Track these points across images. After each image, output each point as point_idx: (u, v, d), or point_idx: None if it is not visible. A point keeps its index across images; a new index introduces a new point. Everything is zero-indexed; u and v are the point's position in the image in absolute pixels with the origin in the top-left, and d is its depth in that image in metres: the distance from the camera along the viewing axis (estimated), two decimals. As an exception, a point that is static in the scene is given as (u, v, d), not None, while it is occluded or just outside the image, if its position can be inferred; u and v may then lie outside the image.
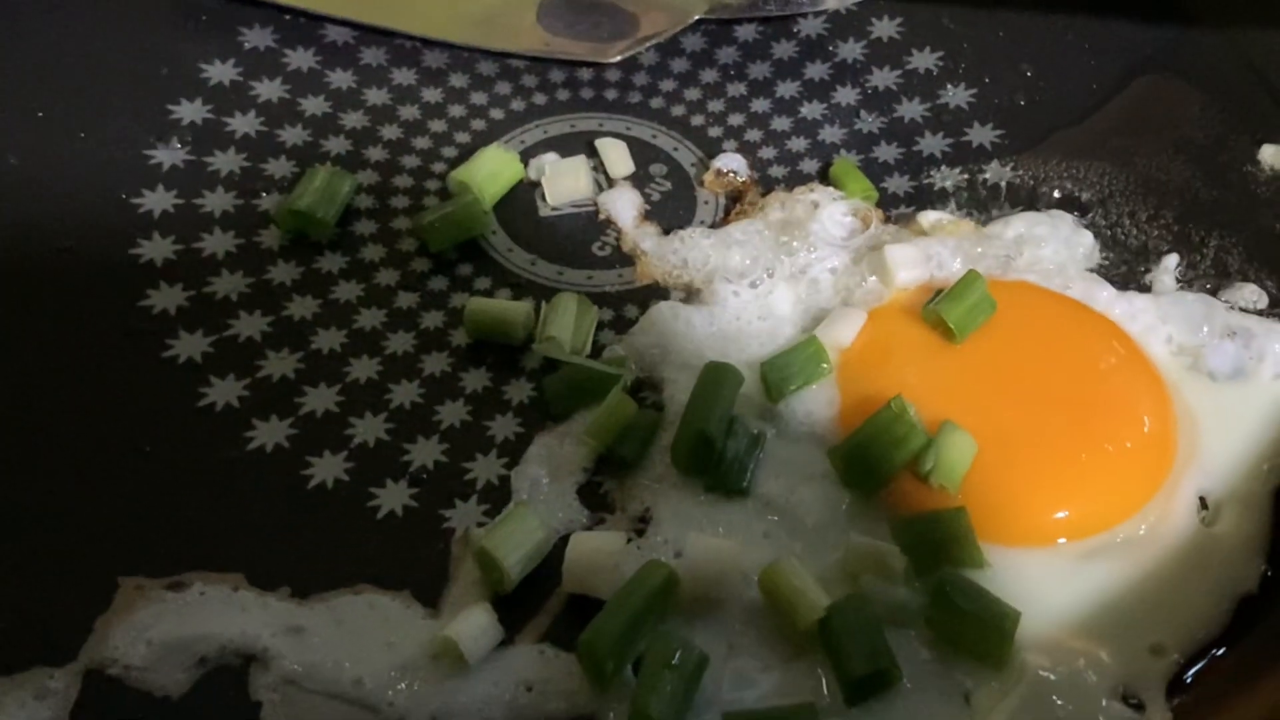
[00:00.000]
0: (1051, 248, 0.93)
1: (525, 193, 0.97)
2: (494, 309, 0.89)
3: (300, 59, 1.04)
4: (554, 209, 0.96)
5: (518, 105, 1.03)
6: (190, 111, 1.00)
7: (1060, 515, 0.80)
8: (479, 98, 1.03)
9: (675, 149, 1.01)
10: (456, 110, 1.02)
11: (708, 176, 0.99)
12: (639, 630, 0.74)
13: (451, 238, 0.93)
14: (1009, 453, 0.81)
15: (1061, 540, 0.80)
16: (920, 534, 0.78)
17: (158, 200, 0.94)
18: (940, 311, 0.85)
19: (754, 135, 1.02)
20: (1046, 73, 1.06)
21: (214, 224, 0.94)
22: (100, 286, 0.90)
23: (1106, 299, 0.89)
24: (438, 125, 1.01)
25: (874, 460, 0.80)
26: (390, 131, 1.00)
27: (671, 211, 0.97)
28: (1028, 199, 0.98)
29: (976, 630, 0.75)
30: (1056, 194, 0.98)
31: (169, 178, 0.96)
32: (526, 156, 0.99)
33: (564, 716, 0.74)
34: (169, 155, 0.97)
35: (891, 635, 0.74)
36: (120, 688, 0.74)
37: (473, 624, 0.75)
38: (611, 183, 0.98)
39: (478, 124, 1.01)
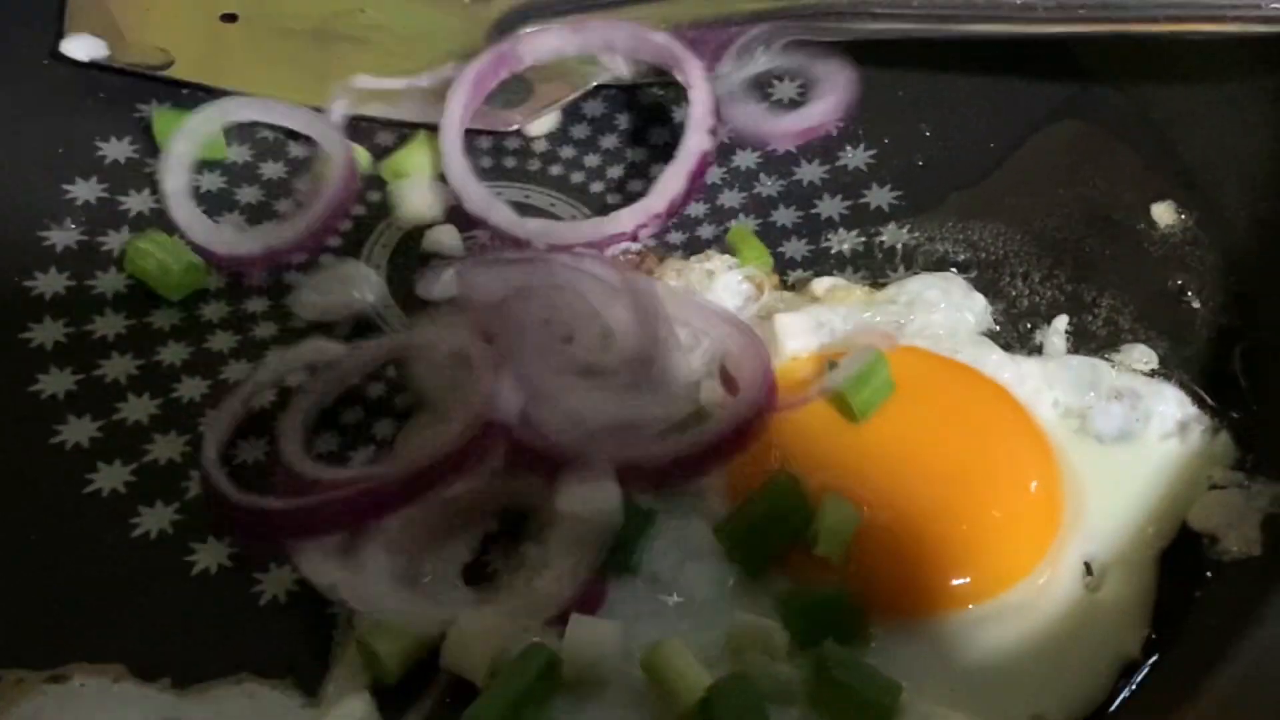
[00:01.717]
0: (943, 312, 0.93)
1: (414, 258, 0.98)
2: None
3: (198, 134, 1.04)
4: (446, 280, 0.97)
5: (415, 176, 1.03)
6: (85, 190, 1.00)
7: (944, 586, 0.80)
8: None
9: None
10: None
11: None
12: (520, 714, 0.74)
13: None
14: (893, 521, 0.81)
15: (946, 610, 0.80)
16: (803, 610, 0.78)
17: (50, 282, 0.94)
18: (845, 394, 0.85)
19: (652, 201, 1.02)
20: (945, 132, 1.07)
21: (105, 305, 0.94)
22: (-9, 373, 0.90)
23: (995, 363, 0.89)
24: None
25: (759, 536, 0.80)
26: (285, 205, 1.00)
27: (568, 281, 0.97)
28: (924, 261, 0.98)
29: (857, 706, 0.75)
30: (952, 256, 0.98)
31: (62, 259, 0.96)
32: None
33: (443, 803, 0.74)
34: (63, 236, 0.97)
35: (774, 712, 0.74)
36: (-5, 786, 0.74)
37: (350, 713, 0.75)
38: (506, 251, 0.99)
39: (373, 195, 1.01)
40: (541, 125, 1.05)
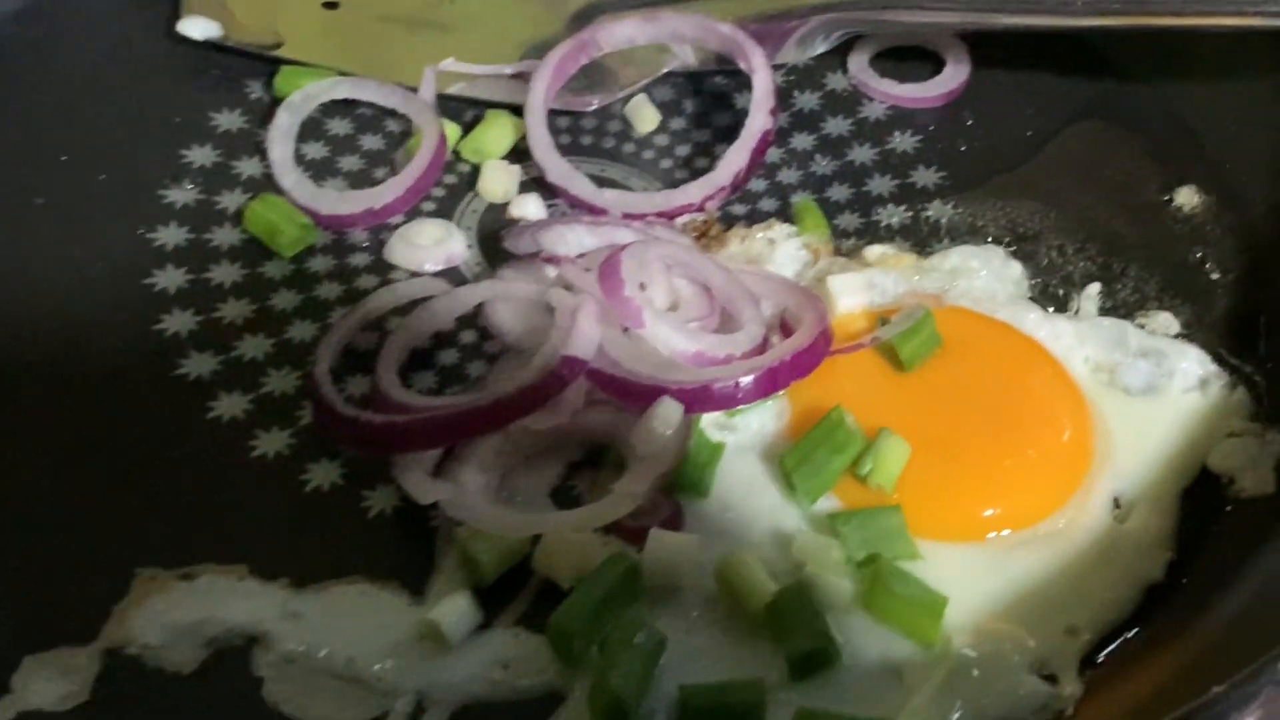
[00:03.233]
0: (984, 278, 1.02)
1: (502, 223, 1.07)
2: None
3: (301, 109, 1.14)
4: (530, 247, 1.06)
5: (499, 151, 1.12)
6: (201, 156, 1.09)
7: (986, 513, 0.89)
8: (464, 144, 1.13)
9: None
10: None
11: (673, 214, 1.08)
12: (604, 614, 0.82)
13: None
14: (940, 457, 0.90)
15: (988, 535, 0.88)
16: (859, 529, 0.86)
17: (171, 235, 1.04)
18: (895, 344, 0.93)
19: (717, 177, 1.11)
20: (986, 121, 1.15)
21: (222, 256, 1.03)
22: (119, 312, 0.99)
23: (1033, 322, 0.98)
24: (426, 168, 1.10)
25: (817, 465, 0.89)
26: (382, 173, 1.10)
27: (640, 246, 1.06)
28: (966, 234, 1.07)
29: (908, 613, 0.83)
30: (992, 229, 1.07)
31: (181, 215, 1.05)
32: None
33: (537, 692, 0.82)
34: (181, 195, 1.07)
35: (832, 619, 0.83)
36: (138, 665, 0.83)
37: (454, 609, 0.83)
38: (585, 219, 1.08)
39: (463, 167, 1.11)
40: (646, 123, 1.14)
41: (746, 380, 0.90)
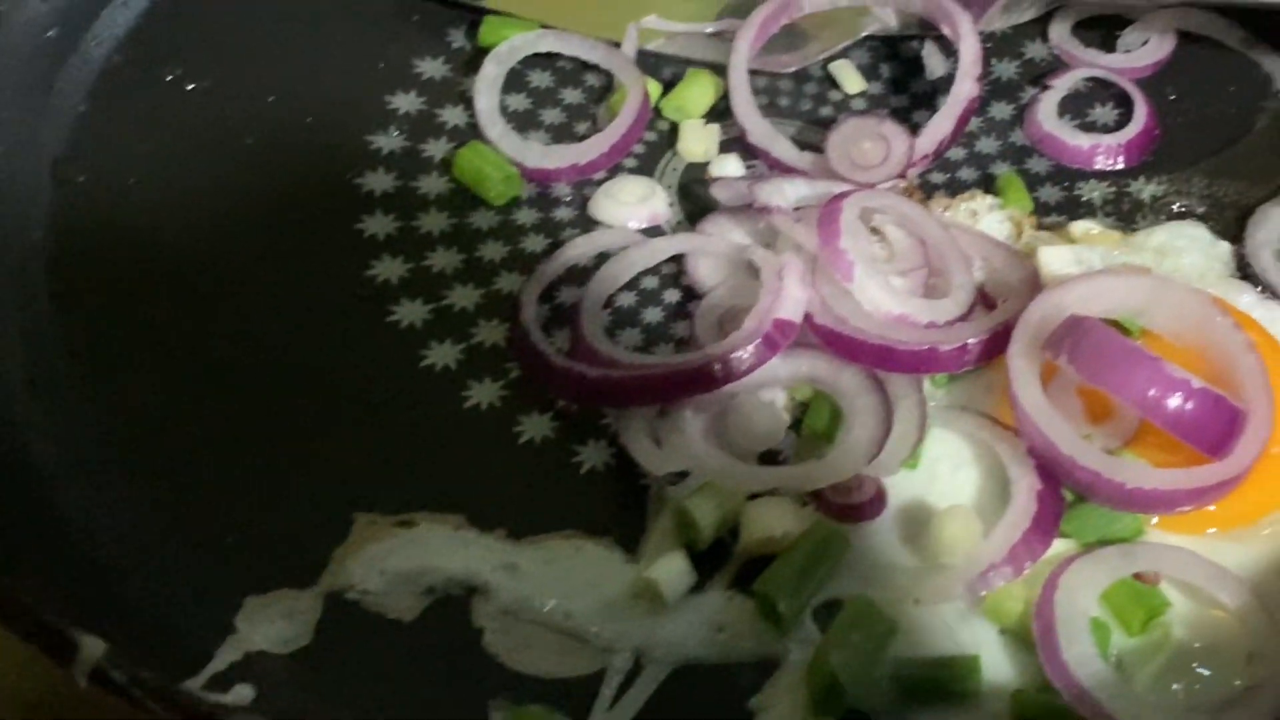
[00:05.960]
0: (1191, 257, 1.00)
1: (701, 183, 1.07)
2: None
3: (502, 60, 1.14)
4: (726, 204, 1.05)
5: (697, 109, 1.12)
6: (406, 103, 1.10)
7: (1211, 508, 0.87)
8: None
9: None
10: (640, 112, 1.11)
11: (871, 180, 1.07)
12: (809, 577, 0.83)
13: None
14: (1161, 447, 0.88)
15: (1210, 530, 0.88)
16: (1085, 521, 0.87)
17: (378, 181, 1.05)
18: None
19: (915, 144, 1.10)
20: (1192, 97, 1.13)
21: (430, 205, 1.04)
22: (329, 258, 1.01)
23: (1247, 304, 0.96)
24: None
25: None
26: (583, 128, 1.10)
27: (838, 212, 1.05)
28: (1170, 212, 1.05)
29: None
30: (1200, 209, 1.05)
31: (388, 161, 1.06)
32: (706, 159, 1.09)
33: (752, 657, 0.82)
34: (387, 141, 1.07)
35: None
36: (358, 610, 0.84)
37: (670, 568, 0.84)
38: (780, 186, 1.07)
39: (662, 125, 1.10)
40: (852, 84, 1.13)
41: (974, 342, 0.89)
